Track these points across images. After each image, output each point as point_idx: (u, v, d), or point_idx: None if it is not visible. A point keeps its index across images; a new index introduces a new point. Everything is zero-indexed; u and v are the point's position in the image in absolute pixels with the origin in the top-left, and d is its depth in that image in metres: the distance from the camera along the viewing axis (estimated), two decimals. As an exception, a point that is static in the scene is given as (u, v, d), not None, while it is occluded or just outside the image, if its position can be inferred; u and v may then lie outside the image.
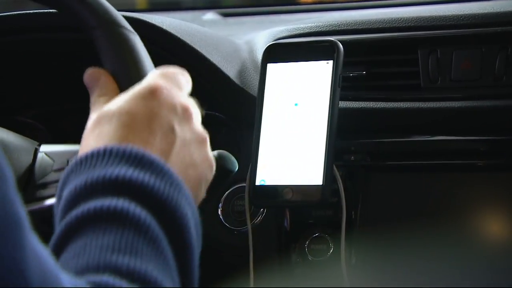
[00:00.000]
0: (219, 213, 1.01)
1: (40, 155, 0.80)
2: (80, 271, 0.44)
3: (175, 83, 0.60)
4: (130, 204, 0.47)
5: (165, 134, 0.55)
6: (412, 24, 0.99)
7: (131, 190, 0.48)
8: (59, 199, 0.51)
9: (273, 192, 0.89)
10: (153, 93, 0.56)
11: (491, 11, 0.96)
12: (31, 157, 0.80)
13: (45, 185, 0.77)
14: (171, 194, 0.50)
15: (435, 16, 0.98)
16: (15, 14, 1.00)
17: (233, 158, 0.84)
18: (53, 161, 0.79)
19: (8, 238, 0.37)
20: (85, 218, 0.47)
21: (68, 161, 0.79)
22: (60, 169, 0.78)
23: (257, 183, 0.89)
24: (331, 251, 0.94)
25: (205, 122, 0.96)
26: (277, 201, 0.89)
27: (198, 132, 0.59)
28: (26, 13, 1.00)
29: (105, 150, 0.51)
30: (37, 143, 0.84)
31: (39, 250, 0.40)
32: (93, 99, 0.61)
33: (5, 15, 1.01)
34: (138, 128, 0.54)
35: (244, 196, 0.94)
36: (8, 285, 0.36)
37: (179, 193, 0.51)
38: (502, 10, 0.96)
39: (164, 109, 0.56)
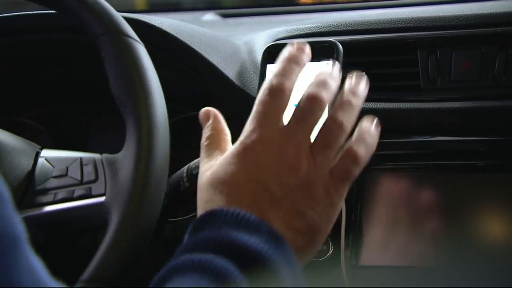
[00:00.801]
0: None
1: (40, 160, 0.80)
2: None
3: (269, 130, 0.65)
4: (216, 257, 0.54)
5: (263, 194, 0.60)
6: (412, 25, 0.99)
7: (234, 252, 0.54)
8: (191, 235, 0.59)
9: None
10: (246, 153, 0.63)
11: (491, 11, 0.96)
12: (32, 161, 0.80)
13: (44, 191, 0.77)
14: (274, 259, 0.55)
15: (435, 17, 0.98)
16: (14, 15, 1.00)
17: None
18: (53, 167, 0.79)
19: (5, 259, 0.37)
20: (182, 265, 0.54)
21: (67, 168, 0.78)
22: (59, 176, 0.78)
23: (257, 184, 0.89)
24: (331, 251, 0.94)
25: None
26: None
27: (299, 179, 0.62)
28: (26, 14, 1.00)
29: (227, 212, 0.58)
30: (39, 146, 0.83)
31: (36, 269, 0.40)
32: (203, 141, 0.70)
33: (4, 16, 1.01)
34: (238, 192, 0.61)
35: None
36: None
37: (275, 248, 0.56)
38: (501, 10, 0.96)
39: (259, 170, 0.61)
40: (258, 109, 0.64)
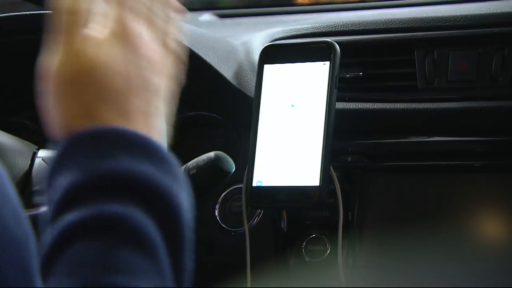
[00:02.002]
0: (216, 214, 1.01)
1: (37, 161, 0.80)
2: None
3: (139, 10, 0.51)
4: (128, 207, 0.43)
5: (149, 94, 0.49)
6: (409, 25, 0.99)
7: (130, 187, 0.44)
8: (49, 183, 0.46)
9: (270, 193, 0.89)
10: (129, 42, 0.49)
11: (488, 12, 0.97)
12: (28, 161, 0.80)
13: (41, 192, 0.77)
14: (170, 184, 0.46)
15: (432, 17, 0.98)
16: (11, 16, 1.00)
17: (230, 159, 0.84)
18: None
19: None
20: (81, 226, 0.43)
21: None
22: None
23: (254, 184, 0.89)
24: (328, 252, 0.94)
25: (202, 123, 0.96)
26: (274, 202, 0.89)
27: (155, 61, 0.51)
28: (23, 14, 1.00)
29: (98, 132, 0.45)
30: (36, 147, 0.83)
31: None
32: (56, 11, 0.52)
33: (1, 16, 1.01)
34: (123, 94, 0.47)
35: (241, 197, 0.94)
36: None
37: (178, 183, 0.47)
38: (498, 11, 0.96)
39: (142, 63, 0.49)
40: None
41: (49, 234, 0.44)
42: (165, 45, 0.53)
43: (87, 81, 0.47)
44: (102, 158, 0.44)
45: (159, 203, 0.45)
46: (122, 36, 0.48)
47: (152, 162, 0.45)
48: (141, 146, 0.46)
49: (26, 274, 0.39)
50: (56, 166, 0.46)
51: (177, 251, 0.46)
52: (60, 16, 0.51)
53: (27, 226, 0.40)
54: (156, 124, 0.49)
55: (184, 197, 0.47)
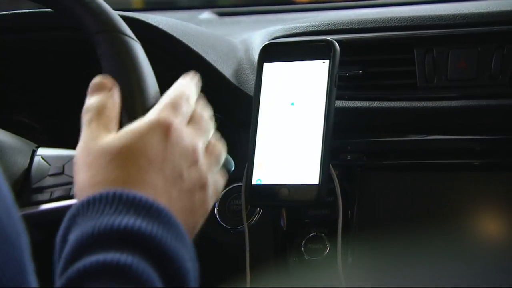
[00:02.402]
0: (215, 212, 1.01)
1: (36, 159, 0.80)
2: None
3: (185, 116, 0.59)
4: (133, 258, 0.47)
5: (173, 180, 0.54)
6: (408, 24, 0.99)
7: (136, 242, 0.48)
8: (62, 242, 0.50)
9: (270, 191, 0.89)
10: (164, 132, 0.55)
11: (487, 10, 0.97)
12: (28, 159, 0.80)
13: (40, 189, 0.77)
14: (177, 247, 0.49)
15: (431, 16, 0.98)
16: (10, 14, 1.00)
17: (229, 158, 0.84)
18: (49, 165, 0.79)
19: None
20: (88, 273, 0.46)
21: (64, 166, 0.78)
22: (55, 174, 0.78)
23: (254, 182, 0.89)
24: (328, 250, 0.94)
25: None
26: (274, 200, 0.89)
27: (202, 178, 0.58)
28: (22, 12, 1.00)
29: (114, 196, 0.49)
30: (35, 145, 0.83)
31: None
32: (87, 118, 0.58)
33: (0, 15, 1.00)
34: (147, 170, 0.52)
35: (241, 195, 0.94)
36: None
37: (183, 245, 0.50)
38: (498, 9, 0.96)
39: (176, 152, 0.54)
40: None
41: (61, 280, 0.47)
42: (206, 144, 0.60)
43: (112, 158, 0.52)
44: (112, 215, 0.48)
45: (163, 260, 0.48)
46: (163, 127, 0.55)
47: (161, 226, 0.49)
48: (150, 209, 0.49)
49: (20, 270, 0.39)
50: (75, 216, 0.50)
51: None
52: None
53: (19, 222, 0.40)
54: (175, 203, 0.53)
55: (189, 260, 0.50)
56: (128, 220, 0.48)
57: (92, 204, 0.49)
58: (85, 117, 0.59)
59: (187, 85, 0.62)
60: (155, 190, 0.52)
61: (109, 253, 0.46)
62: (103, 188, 0.50)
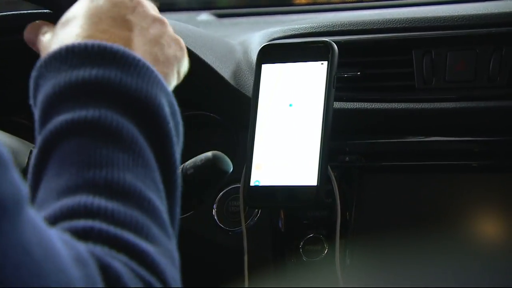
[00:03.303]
0: (213, 213, 1.01)
1: None
2: (61, 192, 0.44)
3: None
4: (100, 110, 0.46)
5: (122, 23, 0.54)
6: (407, 25, 0.99)
7: (99, 92, 0.47)
8: (34, 106, 0.51)
9: (268, 193, 0.89)
10: None
11: (485, 12, 0.97)
12: (26, 160, 0.80)
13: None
14: (140, 85, 0.49)
15: (430, 17, 0.98)
16: (9, 15, 1.00)
17: (227, 159, 0.84)
18: None
19: (10, 217, 0.37)
20: (59, 134, 0.46)
21: None
22: None
23: (252, 183, 0.89)
24: (326, 251, 0.94)
25: (200, 122, 0.97)
26: (272, 201, 0.89)
27: (154, 15, 0.58)
28: (21, 13, 1.00)
29: (67, 50, 0.49)
30: (33, 145, 0.83)
31: (37, 223, 0.40)
32: (38, 40, 0.60)
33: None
34: (95, 22, 0.53)
35: (239, 197, 0.94)
36: (13, 260, 0.36)
37: (148, 81, 0.49)
38: (496, 11, 0.96)
39: (112, 4, 0.55)
40: None
41: (36, 146, 0.48)
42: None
43: (63, 26, 0.54)
44: (68, 70, 0.48)
45: (130, 102, 0.48)
46: None
47: (120, 68, 0.48)
48: (104, 54, 0.49)
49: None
50: (33, 88, 0.50)
51: (159, 143, 0.48)
52: None
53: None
54: (127, 43, 0.53)
55: (158, 93, 0.49)
56: (84, 72, 0.48)
57: (49, 64, 0.50)
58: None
59: None
60: (105, 35, 0.52)
61: (74, 110, 0.46)
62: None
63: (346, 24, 1.02)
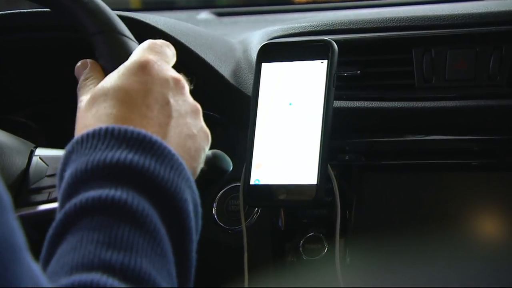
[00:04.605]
0: (213, 212, 1.01)
1: (34, 159, 0.80)
2: (74, 267, 0.44)
3: (163, 56, 0.61)
4: (128, 193, 0.47)
5: (161, 108, 0.55)
6: (407, 24, 0.99)
7: (130, 176, 0.48)
8: (60, 179, 0.51)
9: (268, 191, 0.89)
10: (144, 68, 0.57)
11: (485, 10, 0.97)
12: (26, 160, 0.80)
13: (38, 190, 0.77)
14: (171, 178, 0.50)
15: (430, 16, 0.98)
16: (8, 14, 1.00)
17: (227, 158, 0.84)
18: (47, 165, 0.79)
19: (7, 267, 0.36)
20: (84, 209, 0.47)
21: None
22: (54, 175, 0.78)
23: (252, 182, 0.89)
24: (326, 250, 0.94)
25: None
26: (272, 200, 0.89)
27: (192, 103, 0.60)
28: (20, 12, 1.00)
29: (106, 131, 0.50)
30: (33, 145, 0.83)
31: (36, 276, 0.39)
32: (79, 84, 0.61)
33: (-1, 14, 1.00)
34: (135, 104, 0.54)
35: (239, 195, 0.94)
36: None
37: (179, 176, 0.51)
38: (496, 9, 0.96)
39: (157, 83, 0.56)
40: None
41: (57, 217, 0.48)
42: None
43: (102, 101, 0.55)
44: (104, 150, 0.49)
45: (158, 192, 0.48)
46: (142, 64, 0.57)
47: (154, 157, 0.50)
48: (143, 142, 0.50)
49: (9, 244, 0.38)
50: (70, 154, 0.51)
51: (179, 237, 0.49)
52: None
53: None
54: (165, 133, 0.54)
55: (186, 189, 0.50)
56: (120, 154, 0.49)
57: (85, 141, 0.50)
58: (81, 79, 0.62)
59: (164, 42, 0.64)
60: (143, 120, 0.53)
61: (103, 188, 0.47)
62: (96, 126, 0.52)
63: (346, 23, 1.02)
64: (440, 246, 0.91)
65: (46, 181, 0.78)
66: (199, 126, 0.60)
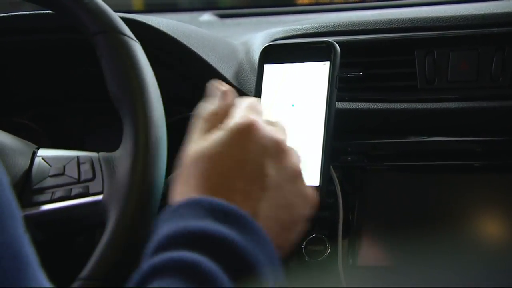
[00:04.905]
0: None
1: (37, 160, 0.80)
2: None
3: (262, 115, 0.62)
4: (203, 258, 0.50)
5: (257, 180, 0.56)
6: (409, 25, 0.99)
7: (209, 243, 0.51)
8: (155, 232, 0.55)
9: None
10: (248, 132, 0.58)
11: (488, 12, 0.97)
12: (28, 161, 0.80)
13: (41, 190, 0.77)
14: (250, 249, 0.51)
15: (432, 17, 0.98)
16: (11, 15, 1.00)
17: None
18: (50, 166, 0.79)
19: (17, 280, 0.37)
20: (165, 266, 0.50)
21: (64, 167, 0.78)
22: (56, 175, 0.78)
23: (254, 184, 0.89)
24: (328, 252, 0.94)
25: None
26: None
27: (292, 168, 0.60)
28: (22, 14, 1.00)
29: (195, 202, 0.54)
30: (35, 146, 0.83)
31: None
32: (194, 125, 0.63)
33: (1, 16, 1.00)
34: (230, 176, 0.56)
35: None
36: None
37: (260, 250, 0.52)
38: (498, 11, 0.96)
39: (258, 152, 0.57)
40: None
41: (144, 265, 0.52)
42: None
43: (200, 166, 0.57)
44: (191, 219, 0.53)
45: (234, 259, 0.51)
46: (244, 127, 0.59)
47: (237, 230, 0.52)
48: (228, 214, 0.53)
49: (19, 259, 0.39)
50: (161, 220, 0.55)
51: None
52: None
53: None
54: (256, 206, 0.56)
55: (264, 261, 0.52)
56: (204, 224, 0.52)
57: (176, 210, 0.54)
58: (197, 120, 0.64)
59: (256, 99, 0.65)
60: (238, 194, 0.55)
61: (180, 251, 0.50)
62: (190, 196, 0.56)
63: (349, 24, 1.02)
64: (443, 247, 0.91)
65: (49, 181, 0.78)
66: (298, 192, 0.60)
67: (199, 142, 0.60)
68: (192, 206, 0.54)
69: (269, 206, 0.56)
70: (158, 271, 0.50)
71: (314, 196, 0.62)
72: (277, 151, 0.59)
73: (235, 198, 0.55)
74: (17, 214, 0.39)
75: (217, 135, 0.59)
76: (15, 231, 0.38)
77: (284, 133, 0.63)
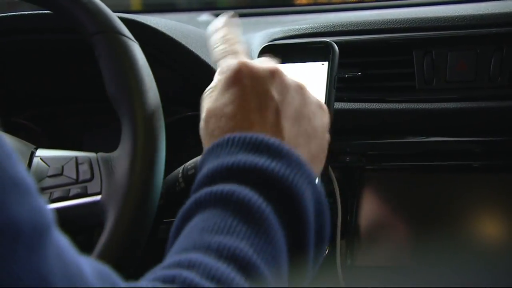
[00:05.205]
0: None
1: (35, 160, 0.80)
2: (179, 252, 0.50)
3: (237, 47, 0.66)
4: (238, 187, 0.52)
5: (267, 103, 0.59)
6: (407, 26, 0.99)
7: (245, 174, 0.53)
8: (199, 171, 0.58)
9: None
10: (239, 73, 0.61)
11: (486, 12, 0.97)
12: (27, 161, 0.80)
13: (40, 191, 0.77)
14: (288, 174, 0.53)
15: (430, 18, 0.98)
16: (9, 16, 1.00)
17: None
18: (48, 166, 0.79)
19: (33, 250, 0.37)
20: (198, 204, 0.53)
21: (63, 167, 0.78)
22: (55, 175, 0.78)
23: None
24: (326, 252, 0.94)
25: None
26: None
27: (293, 83, 0.63)
28: (21, 14, 1.00)
29: (228, 140, 0.57)
30: (34, 146, 0.83)
31: (64, 252, 0.40)
32: (205, 95, 0.66)
33: (0, 16, 1.00)
34: (246, 111, 0.59)
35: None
36: (29, 287, 0.36)
37: (297, 172, 0.54)
38: (496, 11, 0.96)
39: (255, 83, 0.60)
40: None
41: (188, 201, 0.55)
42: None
43: (213, 122, 0.61)
44: (228, 155, 0.56)
45: (275, 188, 0.53)
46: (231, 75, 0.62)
47: (268, 156, 0.55)
48: (259, 144, 0.55)
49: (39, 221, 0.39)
50: (202, 160, 0.58)
51: (294, 229, 0.53)
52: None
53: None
54: (278, 130, 0.59)
55: (304, 184, 0.54)
56: (237, 157, 0.55)
57: (210, 151, 0.57)
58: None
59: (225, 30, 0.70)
60: (257, 125, 0.58)
61: (218, 185, 0.53)
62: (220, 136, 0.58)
63: (347, 25, 1.02)
64: (442, 247, 0.91)
65: (47, 182, 0.78)
66: (309, 100, 0.63)
67: (206, 102, 0.64)
68: (225, 144, 0.56)
69: (289, 125, 0.59)
70: (199, 204, 0.53)
71: (323, 103, 0.65)
72: (272, 75, 0.61)
73: (258, 129, 0.58)
74: (29, 183, 0.39)
75: (213, 94, 0.63)
76: (26, 201, 0.38)
77: (271, 61, 0.66)
